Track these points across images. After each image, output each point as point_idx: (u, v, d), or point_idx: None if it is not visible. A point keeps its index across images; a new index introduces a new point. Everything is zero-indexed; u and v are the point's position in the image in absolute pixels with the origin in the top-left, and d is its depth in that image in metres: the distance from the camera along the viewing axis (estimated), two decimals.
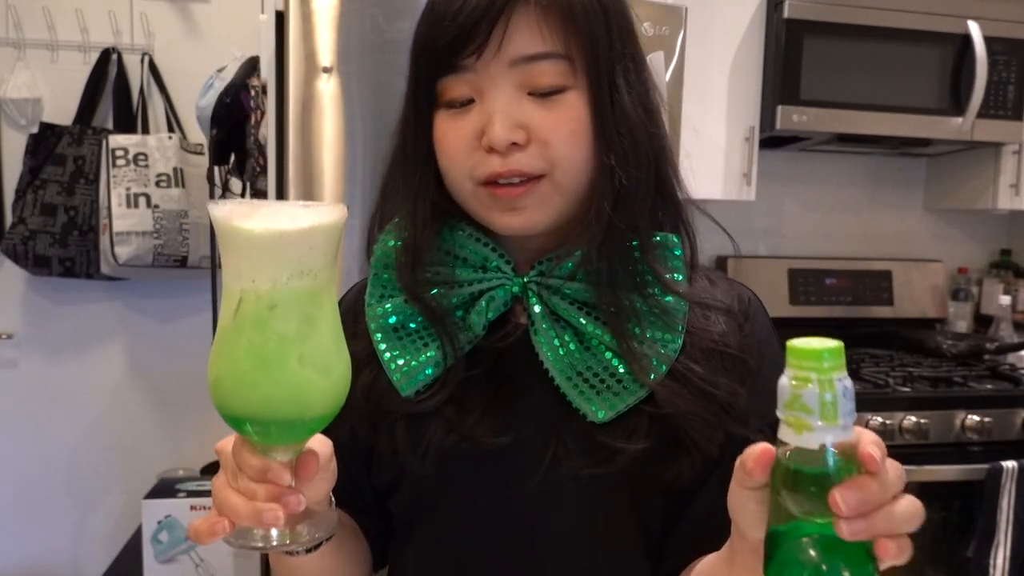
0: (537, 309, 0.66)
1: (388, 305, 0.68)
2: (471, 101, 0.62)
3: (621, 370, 0.63)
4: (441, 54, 0.61)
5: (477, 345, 0.67)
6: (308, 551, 0.60)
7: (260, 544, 0.51)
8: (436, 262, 0.67)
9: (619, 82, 0.63)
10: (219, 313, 0.50)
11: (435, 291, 0.66)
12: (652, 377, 0.62)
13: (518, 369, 0.67)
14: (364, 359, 0.67)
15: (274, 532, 0.51)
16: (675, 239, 0.68)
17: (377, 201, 0.72)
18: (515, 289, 0.67)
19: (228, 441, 0.54)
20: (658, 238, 0.67)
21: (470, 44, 0.59)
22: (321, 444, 0.55)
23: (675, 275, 0.67)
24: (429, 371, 0.65)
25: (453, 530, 0.67)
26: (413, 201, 0.66)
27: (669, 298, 0.65)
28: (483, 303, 0.66)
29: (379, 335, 0.67)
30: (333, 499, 0.60)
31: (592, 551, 0.65)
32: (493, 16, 0.59)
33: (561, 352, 0.65)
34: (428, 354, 0.66)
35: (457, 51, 0.60)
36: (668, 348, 0.64)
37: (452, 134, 0.63)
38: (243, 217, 0.47)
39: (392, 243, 0.69)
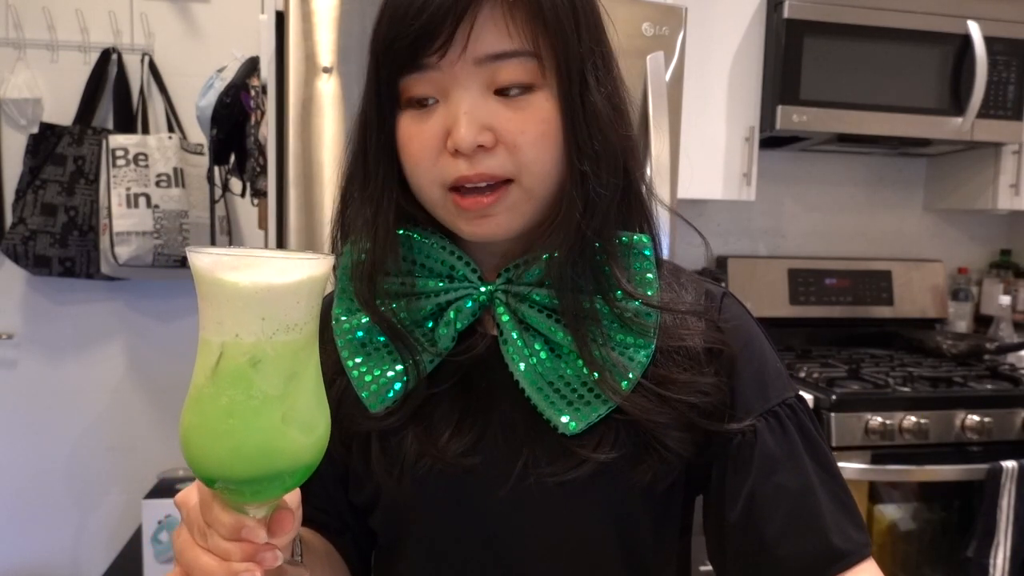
0: (505, 319, 0.64)
1: (356, 320, 0.65)
2: (435, 101, 0.59)
3: (595, 377, 0.61)
4: (404, 53, 0.57)
5: (445, 358, 0.64)
6: None
7: None
8: (402, 272, 0.64)
9: (589, 80, 0.60)
10: (194, 369, 0.47)
11: (402, 302, 0.64)
12: (624, 386, 0.61)
13: (487, 380, 0.65)
14: (329, 377, 0.64)
15: None
16: (645, 239, 0.66)
17: (337, 208, 0.68)
18: (483, 298, 0.64)
19: (188, 494, 0.51)
20: (625, 239, 0.64)
21: (434, 42, 0.56)
22: (291, 495, 0.53)
23: (646, 275, 0.65)
24: (398, 385, 0.64)
25: (433, 550, 0.66)
26: (374, 207, 0.63)
27: (636, 302, 0.63)
28: (451, 314, 0.64)
29: (346, 352, 0.65)
30: (300, 543, 0.59)
31: (570, 560, 0.64)
32: (458, 14, 0.56)
33: (532, 361, 0.63)
34: (397, 368, 0.64)
35: (420, 50, 0.57)
36: (639, 355, 0.62)
37: (417, 137, 0.60)
38: (229, 269, 0.44)
39: (355, 257, 0.65)
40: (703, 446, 0.64)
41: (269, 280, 0.45)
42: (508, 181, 0.59)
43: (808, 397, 1.81)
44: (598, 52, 0.61)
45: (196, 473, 0.48)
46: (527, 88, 0.59)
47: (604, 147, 0.60)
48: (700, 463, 0.65)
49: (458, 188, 0.60)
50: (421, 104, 0.60)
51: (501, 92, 0.58)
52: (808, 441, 0.64)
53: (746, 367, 0.66)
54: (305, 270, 0.46)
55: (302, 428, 0.47)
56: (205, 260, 0.45)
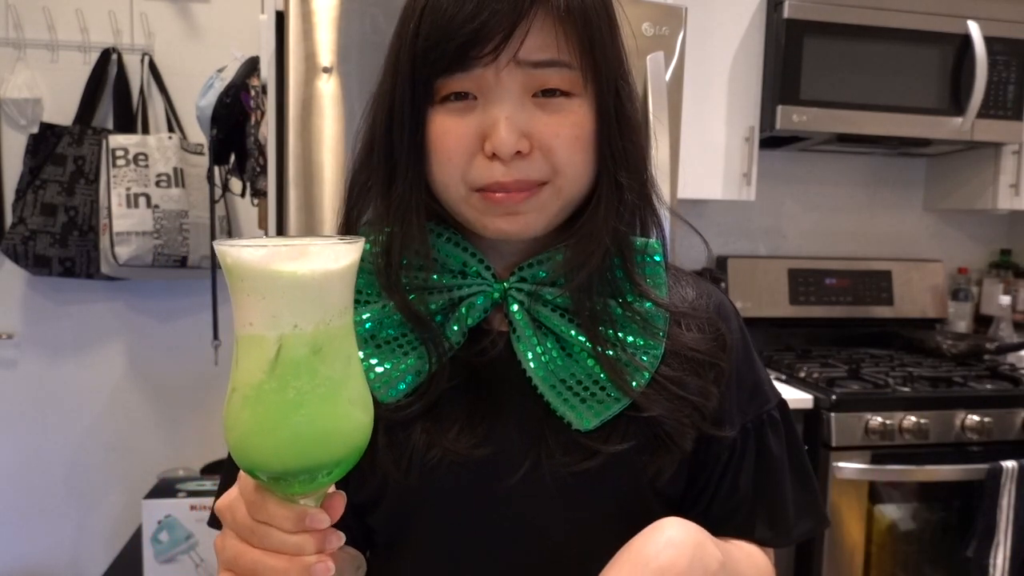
0: (519, 316, 0.65)
1: (365, 313, 0.65)
2: (473, 98, 0.60)
3: (603, 376, 0.63)
4: (451, 54, 0.58)
5: (455, 355, 0.65)
6: None
7: None
8: (415, 266, 0.64)
9: (622, 93, 0.63)
10: (239, 367, 0.46)
11: (412, 297, 0.64)
12: (635, 385, 0.63)
13: (498, 377, 0.65)
14: None
15: None
16: (656, 245, 0.68)
17: (345, 203, 0.68)
18: (495, 295, 0.66)
19: (230, 499, 0.50)
20: (639, 243, 0.67)
21: (486, 46, 0.57)
22: None
23: (656, 279, 0.68)
24: (410, 378, 0.64)
25: (441, 542, 0.66)
26: (403, 203, 0.63)
27: (648, 304, 0.65)
28: (463, 310, 0.65)
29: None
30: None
31: (577, 549, 0.65)
32: (515, 20, 0.57)
33: (544, 359, 0.64)
34: (408, 362, 0.64)
35: (470, 52, 0.57)
36: (649, 355, 0.65)
37: (452, 133, 0.60)
38: (288, 260, 0.44)
39: (368, 247, 0.65)
40: (696, 444, 0.67)
41: (326, 266, 0.45)
42: (542, 183, 0.61)
43: (808, 397, 1.81)
44: (625, 65, 0.64)
45: (260, 471, 0.47)
46: (565, 93, 0.60)
47: (636, 158, 0.64)
48: (695, 460, 0.69)
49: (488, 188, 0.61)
50: (457, 98, 0.60)
51: (538, 94, 0.60)
52: (770, 457, 0.71)
53: (741, 379, 0.70)
54: (353, 253, 0.47)
55: (363, 407, 0.48)
56: (258, 253, 0.44)
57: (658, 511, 0.67)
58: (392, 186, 0.64)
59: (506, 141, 0.58)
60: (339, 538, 0.48)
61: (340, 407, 0.47)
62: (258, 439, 0.46)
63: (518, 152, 0.59)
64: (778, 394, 0.74)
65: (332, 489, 0.51)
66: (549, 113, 0.60)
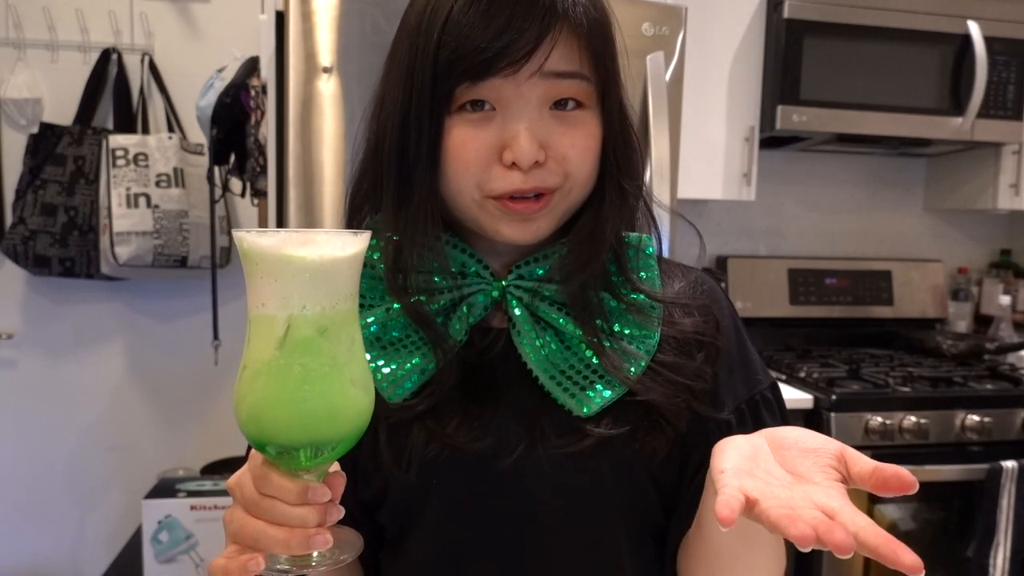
0: (518, 312, 0.67)
1: (370, 317, 0.67)
2: (491, 107, 0.61)
3: (601, 366, 0.66)
4: (478, 67, 0.59)
5: (457, 353, 0.67)
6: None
7: (287, 567, 0.51)
8: (417, 269, 0.67)
9: (624, 104, 0.67)
10: (251, 345, 0.50)
11: (414, 299, 0.66)
12: (632, 373, 0.65)
13: (497, 372, 0.68)
14: None
15: (315, 553, 0.51)
16: (648, 239, 0.72)
17: (348, 208, 0.70)
18: (495, 293, 0.68)
19: (240, 475, 0.53)
20: (632, 239, 0.70)
21: (510, 59, 0.59)
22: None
23: (650, 271, 0.71)
24: (415, 377, 0.66)
25: (443, 535, 0.67)
26: (418, 212, 0.64)
27: (641, 296, 0.69)
28: (464, 308, 0.67)
29: None
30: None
31: (577, 531, 0.66)
32: (541, 37, 0.59)
33: (543, 352, 0.67)
34: (413, 361, 0.66)
35: (494, 65, 0.59)
36: (645, 344, 0.67)
37: (472, 144, 0.61)
38: (299, 245, 0.48)
39: (369, 253, 0.67)
40: (689, 426, 0.68)
41: (334, 253, 0.49)
42: (555, 190, 0.64)
43: (808, 397, 1.81)
44: (621, 77, 0.67)
45: (267, 444, 0.49)
46: (578, 105, 0.63)
47: (636, 164, 0.68)
48: (688, 440, 0.69)
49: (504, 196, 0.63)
50: (474, 107, 0.61)
51: (555, 105, 0.62)
52: None
53: (733, 359, 0.72)
54: (359, 243, 0.51)
55: (364, 388, 0.52)
56: (272, 239, 0.48)
57: (653, 493, 0.68)
58: (403, 194, 0.64)
59: (527, 152, 0.60)
60: (339, 512, 0.51)
61: (343, 386, 0.50)
62: (266, 412, 0.49)
63: (535, 161, 0.61)
64: (770, 376, 0.75)
65: (335, 468, 0.53)
66: (565, 125, 0.62)
